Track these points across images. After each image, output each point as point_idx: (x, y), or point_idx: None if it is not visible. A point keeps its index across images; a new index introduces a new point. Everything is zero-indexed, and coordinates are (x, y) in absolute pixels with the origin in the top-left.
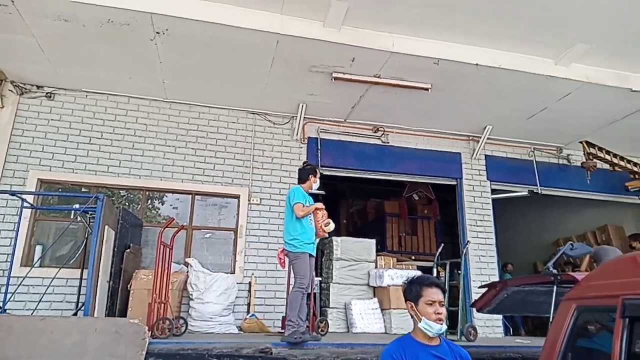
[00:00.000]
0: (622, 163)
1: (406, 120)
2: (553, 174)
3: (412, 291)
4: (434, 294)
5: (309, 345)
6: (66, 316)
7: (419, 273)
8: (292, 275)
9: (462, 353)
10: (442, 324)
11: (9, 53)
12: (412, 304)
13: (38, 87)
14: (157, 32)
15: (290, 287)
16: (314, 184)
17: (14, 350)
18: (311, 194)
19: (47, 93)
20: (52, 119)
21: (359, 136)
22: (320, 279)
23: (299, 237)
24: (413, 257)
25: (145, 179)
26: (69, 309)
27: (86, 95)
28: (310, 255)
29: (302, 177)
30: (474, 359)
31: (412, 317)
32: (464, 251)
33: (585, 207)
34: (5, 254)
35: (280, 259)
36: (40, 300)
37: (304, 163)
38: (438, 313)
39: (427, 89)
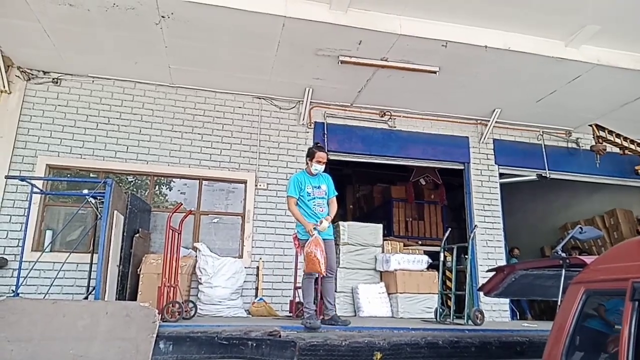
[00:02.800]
0: (632, 146)
1: (413, 104)
2: (562, 158)
3: None
4: None
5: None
6: (77, 300)
7: (426, 258)
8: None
9: None
10: None
11: (15, 39)
12: None
13: (45, 72)
14: (162, 16)
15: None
16: (312, 168)
17: (27, 333)
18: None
19: (53, 79)
20: (59, 105)
21: (365, 121)
22: None
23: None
24: (420, 242)
25: (152, 164)
26: (80, 293)
27: (92, 81)
28: (326, 239)
29: (305, 160)
30: (482, 343)
31: None
32: (471, 235)
33: (594, 191)
34: (16, 239)
35: (295, 244)
36: (51, 285)
37: (315, 143)
38: None
39: (434, 72)
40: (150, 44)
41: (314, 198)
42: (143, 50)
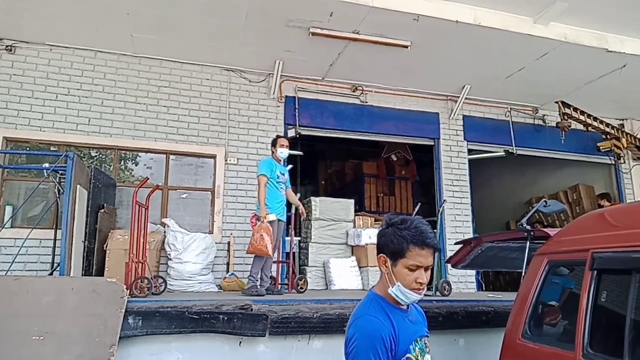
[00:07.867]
0: (595, 123)
1: (385, 80)
2: (528, 134)
3: (392, 243)
4: (424, 257)
5: (289, 301)
6: (42, 276)
7: None
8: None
9: (423, 314)
10: (420, 294)
11: None
12: (387, 259)
13: None
14: None
15: None
16: (279, 153)
17: None
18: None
19: (7, 46)
20: (14, 74)
21: (337, 95)
22: (299, 238)
23: (266, 203)
24: None
25: (116, 137)
26: (44, 269)
27: (50, 49)
28: (279, 220)
29: (270, 149)
30: (449, 313)
31: (381, 272)
32: (440, 210)
33: (559, 167)
34: None
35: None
36: (13, 262)
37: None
38: (420, 282)
39: (406, 47)
40: (111, 11)
41: (280, 182)
42: (104, 17)
